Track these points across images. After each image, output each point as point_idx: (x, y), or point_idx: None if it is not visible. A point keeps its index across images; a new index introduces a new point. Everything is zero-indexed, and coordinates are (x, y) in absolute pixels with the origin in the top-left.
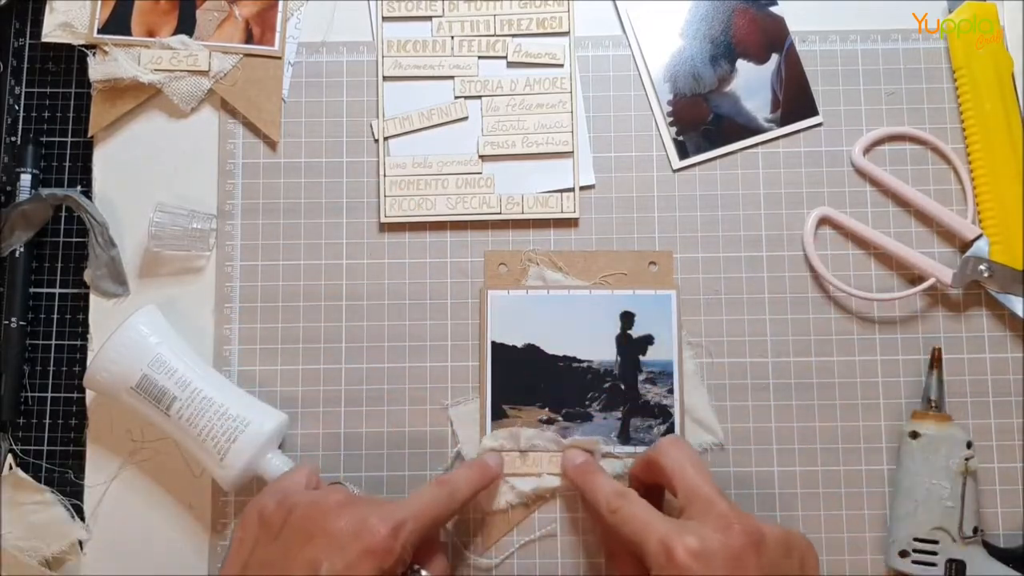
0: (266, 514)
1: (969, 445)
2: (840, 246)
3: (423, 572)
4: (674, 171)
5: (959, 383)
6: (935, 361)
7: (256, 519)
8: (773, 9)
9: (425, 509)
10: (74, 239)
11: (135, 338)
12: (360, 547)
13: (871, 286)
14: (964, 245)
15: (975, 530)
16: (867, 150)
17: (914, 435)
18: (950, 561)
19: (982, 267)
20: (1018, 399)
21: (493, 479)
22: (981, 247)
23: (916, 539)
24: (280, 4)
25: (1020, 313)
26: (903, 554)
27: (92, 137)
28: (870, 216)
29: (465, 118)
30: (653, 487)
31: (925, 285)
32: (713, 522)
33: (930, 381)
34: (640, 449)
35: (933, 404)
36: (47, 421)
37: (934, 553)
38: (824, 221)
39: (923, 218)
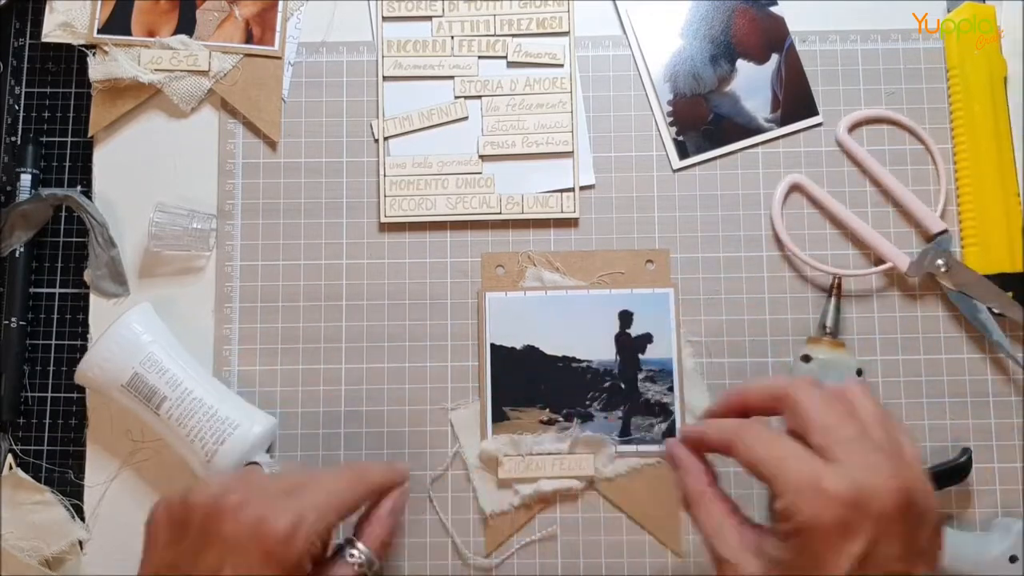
0: (172, 512)
1: (860, 372)
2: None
3: (359, 545)
4: (674, 171)
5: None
6: (835, 289)
7: (164, 516)
8: (773, 9)
9: (330, 500)
10: (74, 239)
11: (128, 336)
12: (259, 550)
13: (845, 263)
14: (929, 238)
15: None
16: (852, 128)
17: (806, 359)
18: None
19: (939, 261)
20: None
21: (404, 479)
22: (944, 242)
23: None
24: (280, 4)
25: (966, 314)
26: None
27: (92, 137)
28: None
29: (465, 118)
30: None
31: (882, 268)
32: (862, 468)
33: (827, 308)
34: (643, 448)
35: (828, 331)
36: (47, 421)
37: None
38: (795, 188)
39: (898, 208)
